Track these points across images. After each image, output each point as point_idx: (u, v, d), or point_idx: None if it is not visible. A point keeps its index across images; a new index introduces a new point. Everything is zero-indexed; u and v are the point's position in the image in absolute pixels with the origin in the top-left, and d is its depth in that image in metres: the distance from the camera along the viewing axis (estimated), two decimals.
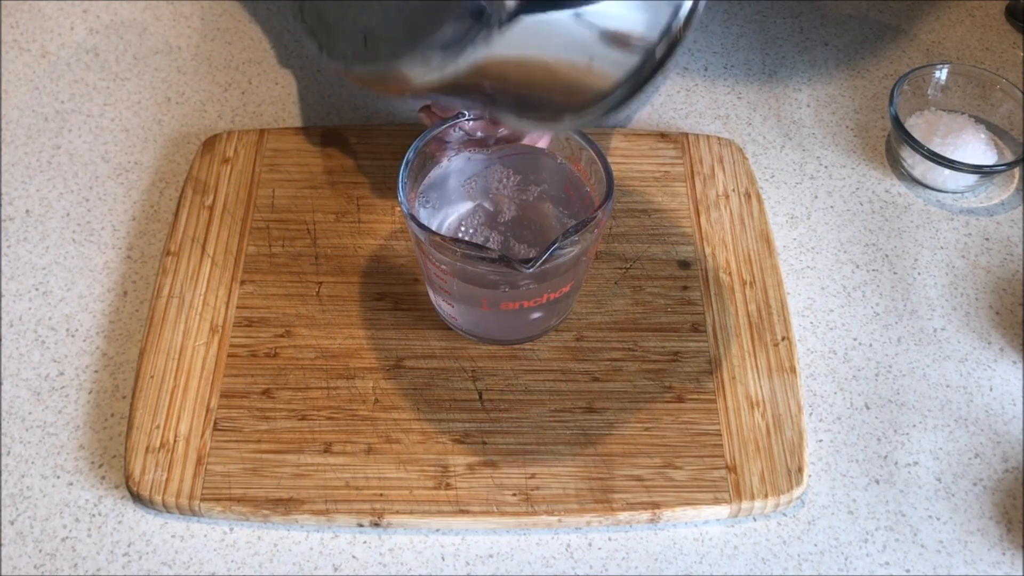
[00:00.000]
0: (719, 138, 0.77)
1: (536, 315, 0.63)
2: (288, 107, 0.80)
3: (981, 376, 0.67)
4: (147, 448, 0.60)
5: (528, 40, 0.46)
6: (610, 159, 0.75)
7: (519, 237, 0.63)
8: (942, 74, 0.79)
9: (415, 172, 0.62)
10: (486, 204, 0.64)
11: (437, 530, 0.60)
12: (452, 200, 0.64)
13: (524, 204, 0.64)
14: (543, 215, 0.64)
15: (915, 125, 0.77)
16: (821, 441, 0.64)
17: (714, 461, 0.61)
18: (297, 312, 0.67)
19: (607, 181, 0.59)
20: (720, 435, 0.62)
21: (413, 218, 0.58)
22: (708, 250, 0.71)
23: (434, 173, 0.64)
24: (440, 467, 0.60)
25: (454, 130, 0.63)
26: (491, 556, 0.59)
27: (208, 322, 0.66)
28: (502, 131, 0.64)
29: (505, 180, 0.65)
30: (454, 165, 0.64)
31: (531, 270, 0.56)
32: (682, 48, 0.50)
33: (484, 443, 0.61)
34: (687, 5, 0.50)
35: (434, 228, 0.61)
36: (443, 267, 0.59)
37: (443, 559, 0.59)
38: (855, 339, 0.68)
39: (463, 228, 0.63)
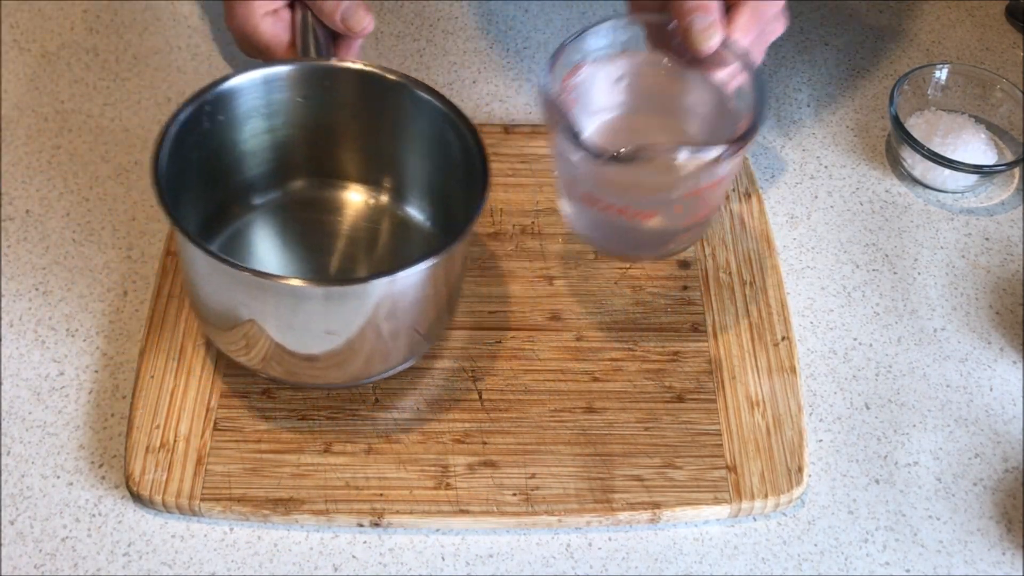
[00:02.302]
0: None
1: (630, 231, 0.60)
2: None
3: (981, 376, 0.67)
4: (147, 448, 0.60)
5: None
6: None
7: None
8: (942, 74, 0.79)
9: (567, 55, 0.59)
10: (630, 113, 0.62)
11: (437, 530, 0.60)
12: (596, 103, 0.61)
13: (666, 124, 0.62)
14: (681, 135, 0.61)
15: (915, 125, 0.77)
16: (821, 441, 0.64)
17: (714, 461, 0.61)
18: None
19: (754, 118, 0.56)
20: (720, 435, 0.62)
21: (543, 89, 0.56)
22: (708, 250, 0.71)
23: (589, 69, 0.61)
24: (440, 467, 0.60)
25: (623, 28, 0.60)
26: (491, 556, 0.59)
27: None
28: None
29: (657, 94, 0.62)
30: (611, 68, 0.62)
31: (602, 161, 0.53)
32: None
33: (484, 443, 0.61)
34: None
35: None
36: (551, 147, 0.56)
37: (443, 559, 0.59)
38: (855, 339, 0.68)
39: (599, 133, 0.59)
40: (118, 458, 0.62)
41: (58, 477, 0.61)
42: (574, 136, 0.56)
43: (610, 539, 0.60)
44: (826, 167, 0.78)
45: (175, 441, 0.61)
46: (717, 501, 0.59)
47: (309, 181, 0.68)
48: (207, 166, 0.62)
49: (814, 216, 0.75)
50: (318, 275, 0.66)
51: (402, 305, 0.57)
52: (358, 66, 0.63)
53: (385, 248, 0.68)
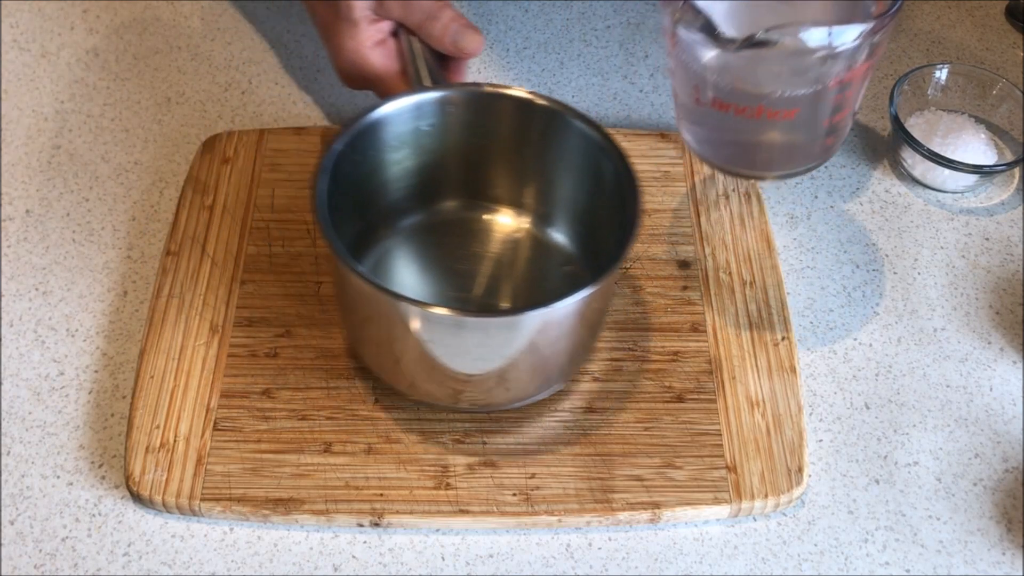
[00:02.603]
0: None
1: (763, 140, 0.57)
2: (288, 107, 0.80)
3: (981, 376, 0.67)
4: (147, 448, 0.60)
5: None
6: None
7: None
8: (942, 74, 0.79)
9: None
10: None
11: (437, 530, 0.60)
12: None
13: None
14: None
15: (915, 125, 0.77)
16: (821, 441, 0.64)
17: (714, 461, 0.61)
18: (297, 312, 0.67)
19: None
20: (720, 435, 0.62)
21: None
22: (708, 250, 0.70)
23: None
24: (440, 467, 0.60)
25: None
26: (491, 556, 0.59)
27: (208, 322, 0.66)
28: None
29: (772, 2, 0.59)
30: None
31: (737, 46, 0.50)
32: None
33: (484, 443, 0.61)
34: None
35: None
36: (671, 57, 0.54)
37: (443, 559, 0.59)
38: (855, 339, 0.68)
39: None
40: (118, 458, 0.62)
41: (58, 477, 0.61)
42: (708, 27, 0.52)
43: (610, 539, 0.60)
44: (826, 167, 0.78)
45: (175, 441, 0.61)
46: (717, 501, 0.59)
47: (454, 203, 0.69)
48: (355, 193, 0.63)
49: (814, 216, 0.75)
50: (463, 296, 0.66)
51: (552, 335, 0.57)
52: (512, 92, 0.64)
53: (529, 271, 0.68)
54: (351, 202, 0.63)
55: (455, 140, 0.66)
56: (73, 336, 0.67)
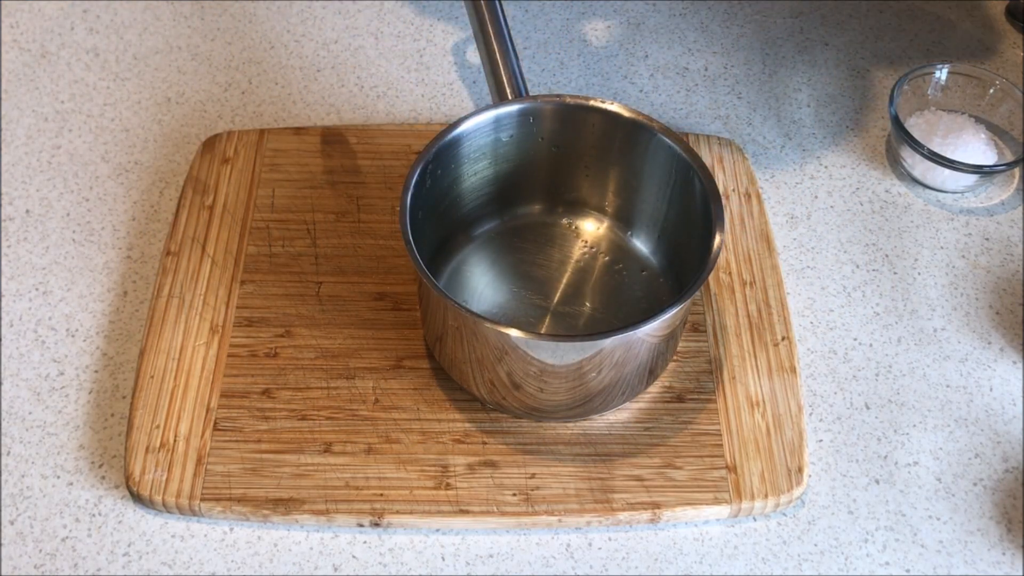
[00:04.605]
0: (719, 138, 0.77)
1: None
2: (288, 107, 0.80)
3: (981, 376, 0.67)
4: (147, 448, 0.60)
5: None
6: None
7: None
8: (942, 74, 0.79)
9: None
10: None
11: (437, 530, 0.60)
12: None
13: None
14: None
15: (915, 125, 0.77)
16: (821, 441, 0.64)
17: (714, 461, 0.61)
18: (297, 312, 0.67)
19: None
20: (720, 435, 0.62)
21: None
22: None
23: None
24: (440, 467, 0.60)
25: None
26: (491, 556, 0.59)
27: (208, 322, 0.66)
28: None
29: None
30: None
31: None
32: None
33: (484, 443, 0.61)
34: None
35: None
36: None
37: (443, 559, 0.59)
38: (855, 339, 0.68)
39: None
40: (118, 458, 0.62)
41: (58, 477, 0.61)
42: None
43: (610, 539, 0.60)
44: (826, 167, 0.78)
45: (175, 441, 0.61)
46: (717, 501, 0.59)
47: (532, 209, 0.70)
48: (436, 204, 0.64)
49: (814, 216, 0.75)
50: (542, 303, 0.66)
51: (631, 353, 0.58)
52: (595, 103, 0.64)
53: (607, 277, 0.68)
54: (433, 213, 0.64)
55: (534, 150, 0.66)
56: (73, 336, 0.67)
